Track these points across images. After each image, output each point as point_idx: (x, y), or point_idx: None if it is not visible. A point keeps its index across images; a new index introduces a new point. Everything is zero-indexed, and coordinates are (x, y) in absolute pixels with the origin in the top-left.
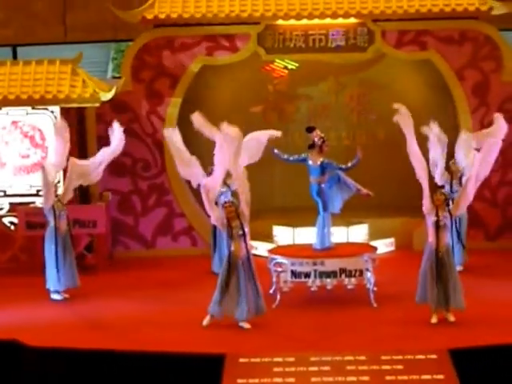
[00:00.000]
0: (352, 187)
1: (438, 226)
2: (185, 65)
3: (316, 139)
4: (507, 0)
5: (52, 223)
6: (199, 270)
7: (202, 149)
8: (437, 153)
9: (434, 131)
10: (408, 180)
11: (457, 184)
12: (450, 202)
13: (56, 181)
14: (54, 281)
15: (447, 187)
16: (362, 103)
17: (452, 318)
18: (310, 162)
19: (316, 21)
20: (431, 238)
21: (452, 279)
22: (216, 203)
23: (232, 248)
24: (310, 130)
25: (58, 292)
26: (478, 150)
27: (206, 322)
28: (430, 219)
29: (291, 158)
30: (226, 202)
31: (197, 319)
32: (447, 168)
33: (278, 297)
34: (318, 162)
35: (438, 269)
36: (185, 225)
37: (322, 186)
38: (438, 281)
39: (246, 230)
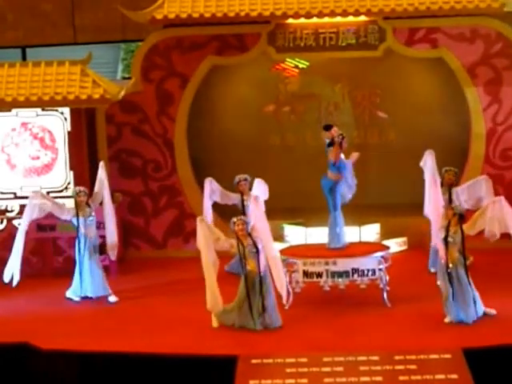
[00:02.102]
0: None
1: (446, 242)
2: (194, 65)
3: (335, 136)
4: None
5: (81, 231)
6: None
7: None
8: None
9: (428, 165)
10: (420, 179)
11: (445, 191)
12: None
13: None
14: (75, 288)
15: None
16: (373, 102)
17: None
18: (330, 159)
19: (326, 19)
20: (441, 253)
21: (464, 293)
22: None
23: (248, 267)
24: (328, 127)
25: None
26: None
27: (215, 323)
28: (440, 235)
29: None
30: (236, 220)
31: (209, 321)
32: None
33: (291, 297)
34: (337, 160)
35: (451, 283)
36: (195, 226)
37: (337, 183)
38: (453, 296)
39: (260, 246)
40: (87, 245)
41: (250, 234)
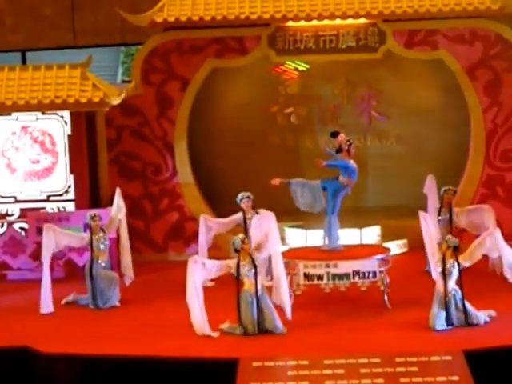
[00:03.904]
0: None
1: (444, 275)
2: (194, 68)
3: (342, 143)
4: None
5: (89, 256)
6: None
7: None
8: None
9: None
10: (420, 181)
11: (445, 212)
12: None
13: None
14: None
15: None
16: (372, 104)
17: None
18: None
19: (326, 22)
20: (438, 285)
21: (462, 319)
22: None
23: (244, 286)
24: (335, 134)
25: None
26: None
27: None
28: (437, 267)
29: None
30: (243, 238)
31: (210, 324)
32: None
33: (291, 300)
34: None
35: (449, 313)
36: (196, 229)
37: (345, 188)
38: (450, 322)
39: (259, 267)
40: (99, 268)
41: (250, 254)
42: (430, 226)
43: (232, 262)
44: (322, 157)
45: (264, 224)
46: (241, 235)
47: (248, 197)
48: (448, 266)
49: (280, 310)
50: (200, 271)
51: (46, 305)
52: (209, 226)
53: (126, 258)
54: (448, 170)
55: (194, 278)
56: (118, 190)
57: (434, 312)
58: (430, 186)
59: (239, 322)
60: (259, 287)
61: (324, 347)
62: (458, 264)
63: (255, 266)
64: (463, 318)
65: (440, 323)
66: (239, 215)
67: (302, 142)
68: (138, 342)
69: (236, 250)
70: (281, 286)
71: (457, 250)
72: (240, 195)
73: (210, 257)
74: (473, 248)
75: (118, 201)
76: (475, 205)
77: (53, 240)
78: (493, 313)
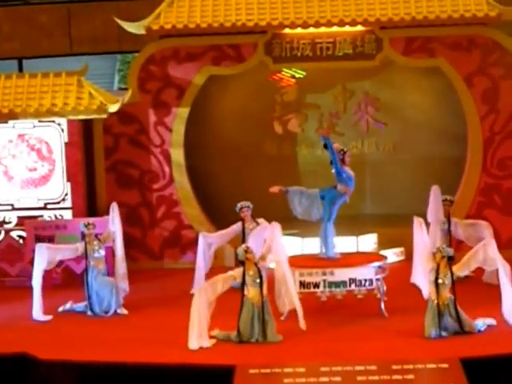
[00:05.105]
0: None
1: (437, 284)
2: (191, 75)
3: (337, 153)
4: None
5: (90, 263)
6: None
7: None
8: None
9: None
10: (417, 188)
11: (444, 222)
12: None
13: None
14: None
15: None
16: (370, 111)
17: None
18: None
19: (323, 29)
20: (431, 295)
21: (457, 327)
22: None
23: (246, 293)
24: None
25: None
26: None
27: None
28: (430, 276)
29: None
30: (247, 248)
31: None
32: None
33: (288, 308)
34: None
35: (442, 323)
36: (193, 236)
37: (342, 196)
38: (445, 331)
39: (264, 275)
40: (95, 275)
41: (255, 264)
42: (424, 234)
43: (237, 273)
44: (319, 165)
45: (268, 235)
46: (244, 245)
47: (248, 206)
48: (441, 275)
49: (276, 317)
50: (204, 300)
51: (36, 314)
52: (209, 243)
53: (121, 272)
54: (445, 177)
55: (199, 308)
56: (114, 206)
57: (429, 320)
58: (434, 198)
59: (237, 328)
60: (264, 296)
61: (321, 354)
62: (452, 274)
63: (261, 276)
64: (458, 326)
65: (435, 332)
66: (238, 225)
67: (300, 149)
68: (134, 349)
69: (240, 261)
70: (290, 293)
71: (451, 260)
72: (239, 204)
73: None
74: (467, 259)
75: (114, 216)
76: (473, 219)
77: (45, 258)
78: (493, 321)
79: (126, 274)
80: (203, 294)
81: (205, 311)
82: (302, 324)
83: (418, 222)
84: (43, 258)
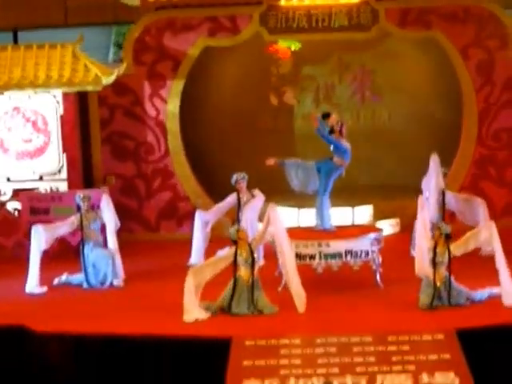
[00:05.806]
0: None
1: (434, 263)
2: (186, 47)
3: (334, 124)
4: None
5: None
6: (205, 254)
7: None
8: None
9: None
10: (413, 160)
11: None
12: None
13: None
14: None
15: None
16: (365, 83)
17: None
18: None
19: (318, 0)
20: (428, 272)
21: (457, 298)
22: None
23: (238, 273)
24: (326, 115)
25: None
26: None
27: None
28: (428, 255)
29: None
30: (239, 229)
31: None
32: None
33: (283, 280)
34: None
35: (436, 302)
36: (189, 208)
37: (338, 168)
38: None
39: (256, 257)
40: (93, 246)
41: (249, 244)
42: (426, 215)
43: (229, 253)
44: (315, 136)
45: (265, 220)
46: (236, 226)
47: (243, 177)
48: (439, 254)
49: (271, 290)
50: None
51: (30, 286)
52: (205, 220)
53: (119, 269)
54: (441, 148)
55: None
56: (106, 199)
57: (424, 293)
58: (433, 167)
59: (218, 299)
60: (255, 275)
61: (316, 326)
62: (449, 252)
63: (252, 256)
64: (454, 296)
65: (430, 303)
66: (233, 197)
67: (296, 121)
68: (130, 321)
69: (233, 241)
70: (293, 281)
71: (449, 238)
72: (235, 176)
73: None
74: (466, 238)
75: (105, 203)
76: (468, 192)
77: (42, 240)
78: (496, 290)
79: (121, 268)
80: (191, 279)
81: (197, 289)
82: (299, 308)
83: (420, 202)
84: (40, 238)
